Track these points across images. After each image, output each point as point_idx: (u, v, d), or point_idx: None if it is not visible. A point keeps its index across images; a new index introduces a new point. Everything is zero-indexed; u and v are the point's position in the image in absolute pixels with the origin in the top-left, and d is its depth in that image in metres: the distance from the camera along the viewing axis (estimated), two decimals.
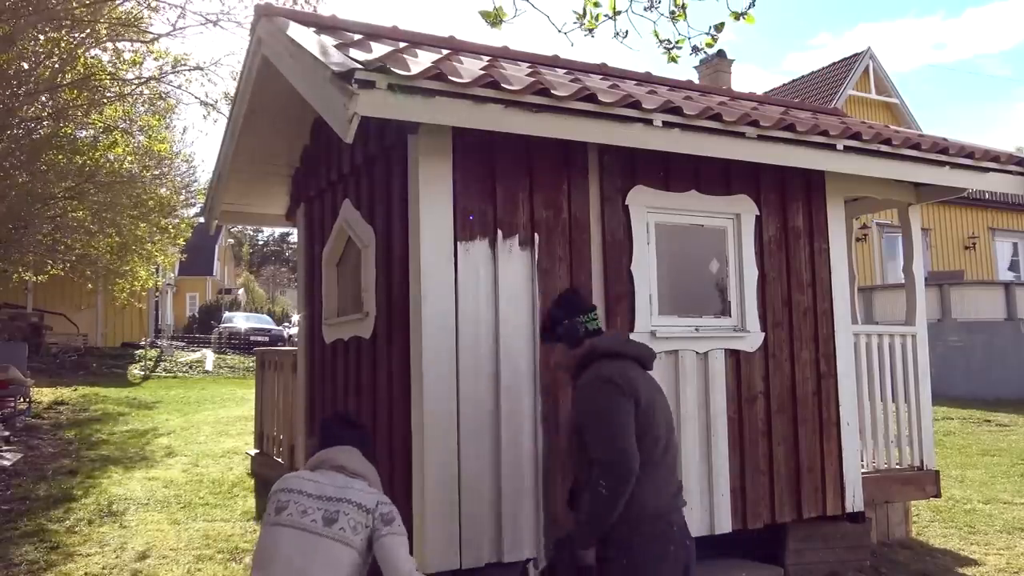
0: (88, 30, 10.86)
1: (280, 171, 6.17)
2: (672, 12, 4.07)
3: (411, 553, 3.68)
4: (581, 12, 4.05)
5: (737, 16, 4.00)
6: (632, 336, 4.24)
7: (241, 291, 48.15)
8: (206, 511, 6.22)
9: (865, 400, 5.25)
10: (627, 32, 4.23)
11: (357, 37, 4.38)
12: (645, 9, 4.07)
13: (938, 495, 5.55)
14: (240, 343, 24.70)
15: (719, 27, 4.10)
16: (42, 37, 10.60)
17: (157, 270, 19.74)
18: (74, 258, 14.87)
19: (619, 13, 4.05)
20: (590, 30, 4.10)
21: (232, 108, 5.83)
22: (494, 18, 3.87)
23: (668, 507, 2.79)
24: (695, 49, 4.19)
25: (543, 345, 3.96)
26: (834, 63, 22.67)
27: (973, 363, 14.87)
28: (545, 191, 4.11)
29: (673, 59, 4.23)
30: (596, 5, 4.06)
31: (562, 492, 3.70)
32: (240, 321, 28.29)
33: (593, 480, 2.71)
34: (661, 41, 4.19)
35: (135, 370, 18.77)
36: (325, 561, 2.43)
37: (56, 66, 11.23)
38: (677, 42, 4.20)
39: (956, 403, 13.07)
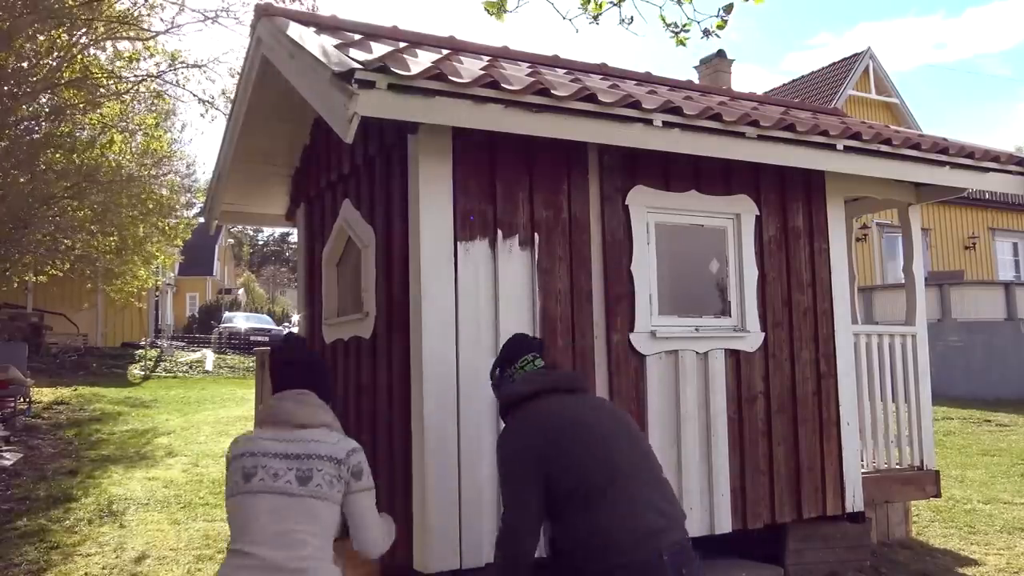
0: (85, 28, 10.86)
1: (280, 171, 6.17)
2: None
3: (413, 552, 3.69)
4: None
5: None
6: (632, 336, 4.25)
7: (241, 291, 48.14)
8: (206, 511, 6.22)
9: (865, 400, 5.25)
10: (632, 18, 4.21)
11: (357, 37, 4.38)
12: None
13: (938, 495, 5.55)
14: (240, 343, 24.71)
15: (728, 8, 4.08)
16: (41, 37, 10.60)
17: (157, 270, 19.74)
18: (74, 258, 14.87)
19: None
20: (595, 16, 4.08)
21: (232, 108, 5.83)
22: (497, 9, 3.86)
23: (641, 533, 2.44)
24: (706, 32, 4.16)
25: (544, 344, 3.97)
26: (834, 63, 22.68)
27: (973, 363, 14.88)
28: (545, 191, 4.11)
29: (681, 42, 4.21)
30: None
31: None
32: (240, 321, 28.29)
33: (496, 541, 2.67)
34: (668, 25, 4.17)
35: (135, 370, 18.78)
36: (308, 520, 2.34)
37: (54, 64, 11.23)
38: (684, 25, 4.18)
39: (956, 403, 13.07)
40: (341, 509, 2.45)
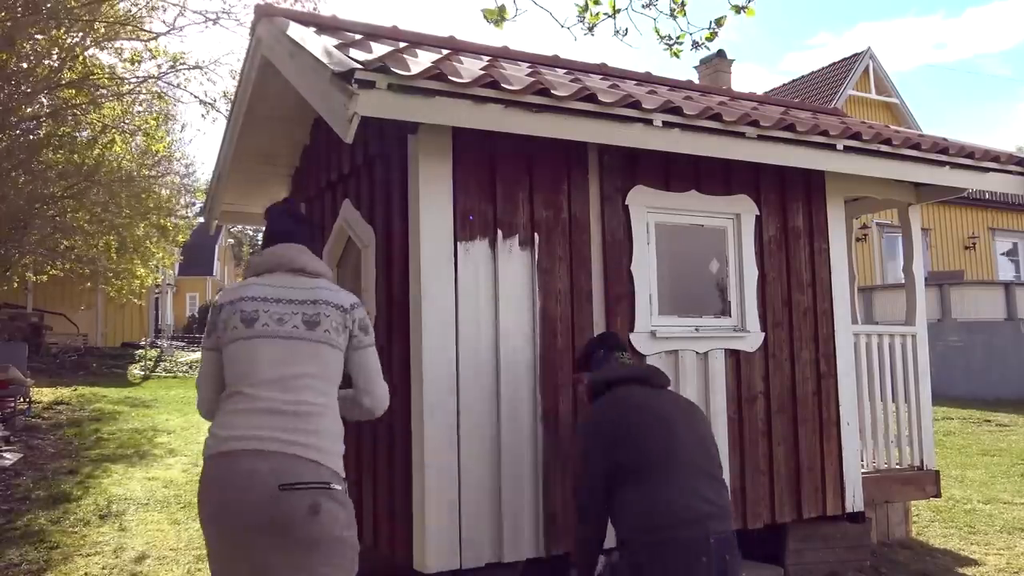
0: (86, 29, 10.86)
1: (280, 171, 6.16)
2: (672, 9, 4.07)
3: (413, 551, 3.69)
4: (583, 6, 4.05)
5: (738, 9, 4.00)
6: (633, 336, 4.25)
7: None
8: None
9: (865, 400, 5.25)
10: (627, 30, 4.23)
11: (357, 37, 4.38)
12: (644, 7, 4.07)
13: (938, 495, 5.55)
14: None
15: (720, 21, 4.09)
16: (41, 37, 10.60)
17: (157, 268, 19.73)
18: (74, 258, 14.88)
19: (618, 11, 4.06)
20: (590, 28, 4.10)
21: (232, 108, 5.83)
22: (497, 16, 3.87)
23: (690, 516, 2.63)
24: (695, 44, 4.19)
25: (543, 344, 3.98)
26: (834, 63, 22.68)
27: (973, 363, 14.88)
28: (545, 191, 4.11)
29: (675, 54, 4.24)
30: (596, 3, 4.06)
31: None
32: None
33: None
34: (662, 38, 4.20)
35: (135, 370, 18.78)
36: (315, 365, 2.25)
37: (55, 65, 11.23)
38: (678, 38, 4.20)
39: (956, 403, 13.07)
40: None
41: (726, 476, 4.40)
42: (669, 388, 3.15)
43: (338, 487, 2.23)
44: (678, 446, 2.79)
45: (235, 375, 2.26)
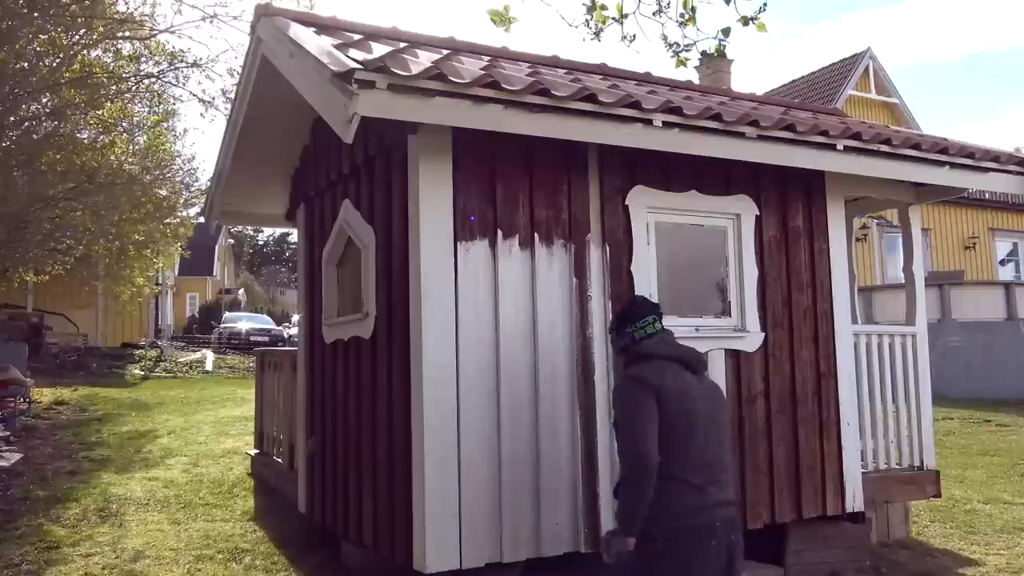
0: (85, 28, 10.86)
1: (280, 171, 6.17)
2: (682, 16, 4.06)
3: (413, 551, 3.69)
4: (591, 3, 4.03)
5: (746, 21, 3.98)
6: None
7: (241, 291, 48.14)
8: (206, 511, 6.22)
9: (865, 400, 5.24)
10: (635, 36, 4.21)
11: (357, 37, 4.38)
12: (654, 13, 4.06)
13: (938, 495, 5.55)
14: (240, 343, 24.73)
15: (726, 32, 4.08)
16: (42, 36, 10.60)
17: (157, 271, 19.75)
18: (74, 259, 14.88)
19: (626, 16, 4.05)
20: (597, 33, 4.09)
21: (232, 108, 5.83)
22: (502, 18, 3.86)
23: (706, 506, 2.86)
24: (704, 54, 4.18)
25: (543, 344, 3.98)
26: (834, 63, 22.69)
27: (973, 363, 14.87)
28: (545, 191, 4.11)
29: (682, 62, 4.22)
30: (603, 8, 4.05)
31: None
32: (241, 322, 28.32)
33: (620, 478, 2.91)
34: (670, 45, 4.19)
35: (135, 370, 18.77)
36: None
37: (54, 65, 11.22)
38: (686, 46, 4.19)
39: (956, 403, 13.07)
40: None
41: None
42: (704, 373, 3.20)
43: None
44: (714, 439, 2.99)
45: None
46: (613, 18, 4.06)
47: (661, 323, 3.21)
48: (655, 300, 3.61)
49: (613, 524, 3.18)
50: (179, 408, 12.62)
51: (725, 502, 2.93)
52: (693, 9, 4.06)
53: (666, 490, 2.81)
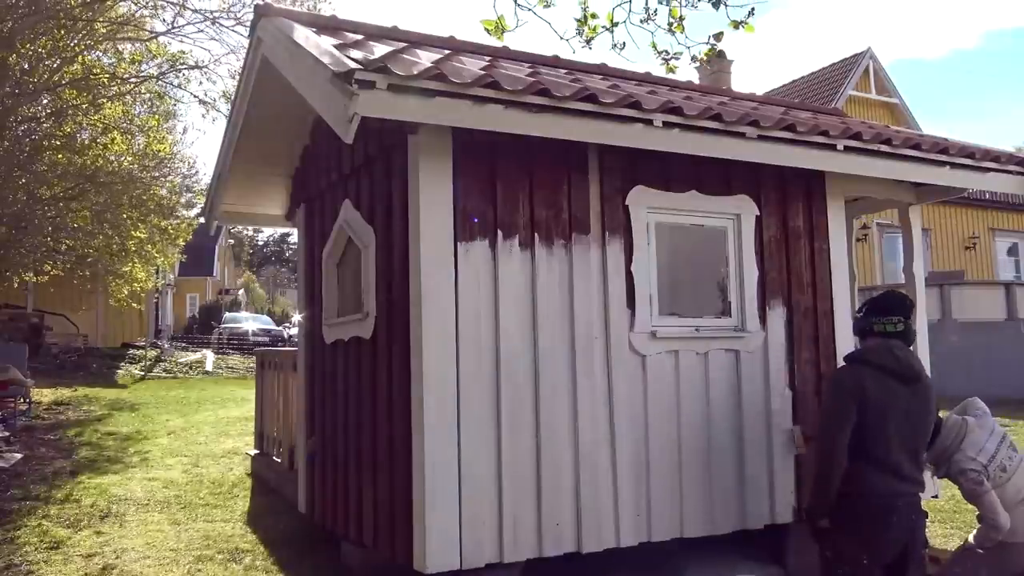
0: (86, 29, 10.87)
1: (280, 171, 6.17)
2: (670, 24, 4.07)
3: (413, 551, 3.69)
4: (582, 19, 4.05)
5: (736, 25, 3.99)
6: (632, 335, 4.25)
7: (241, 291, 48.17)
8: (206, 511, 6.22)
9: None
10: (624, 44, 4.22)
11: (357, 37, 4.38)
12: (642, 21, 4.07)
13: (937, 495, 5.54)
14: (241, 343, 24.74)
15: (718, 36, 4.09)
16: (44, 37, 10.60)
17: (157, 272, 19.75)
18: (74, 259, 14.88)
19: (616, 25, 4.05)
20: (588, 41, 4.10)
21: (232, 108, 5.83)
22: (496, 28, 3.87)
23: (887, 493, 3.30)
24: (694, 59, 4.18)
25: (543, 344, 3.98)
26: (834, 63, 22.68)
27: (973, 363, 14.87)
28: (545, 191, 4.10)
29: (671, 69, 4.24)
30: (594, 16, 4.06)
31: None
32: (241, 322, 28.36)
33: (812, 461, 3.41)
34: (659, 52, 4.19)
35: (135, 371, 18.78)
36: None
37: (55, 66, 11.23)
38: (675, 53, 4.20)
39: (956, 403, 13.03)
40: None
41: (726, 475, 4.43)
42: (920, 381, 3.46)
43: None
44: (908, 440, 3.37)
45: None
46: (604, 27, 4.06)
47: (904, 325, 3.50)
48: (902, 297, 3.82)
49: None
50: (179, 408, 12.63)
51: (904, 491, 3.34)
52: (681, 18, 4.07)
53: (860, 475, 3.28)
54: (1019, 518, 3.69)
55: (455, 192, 3.83)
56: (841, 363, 3.47)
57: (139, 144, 14.51)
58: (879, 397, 3.32)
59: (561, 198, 4.15)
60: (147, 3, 11.46)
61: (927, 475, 5.35)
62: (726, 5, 3.91)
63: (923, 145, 4.85)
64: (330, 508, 5.04)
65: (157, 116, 14.56)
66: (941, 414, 4.18)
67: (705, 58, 4.14)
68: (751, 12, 4.01)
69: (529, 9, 3.93)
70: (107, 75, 12.16)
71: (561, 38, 4.13)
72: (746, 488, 4.49)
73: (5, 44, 9.57)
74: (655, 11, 4.04)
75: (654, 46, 4.16)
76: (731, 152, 4.17)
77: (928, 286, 8.27)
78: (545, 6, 3.89)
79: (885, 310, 3.54)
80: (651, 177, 4.42)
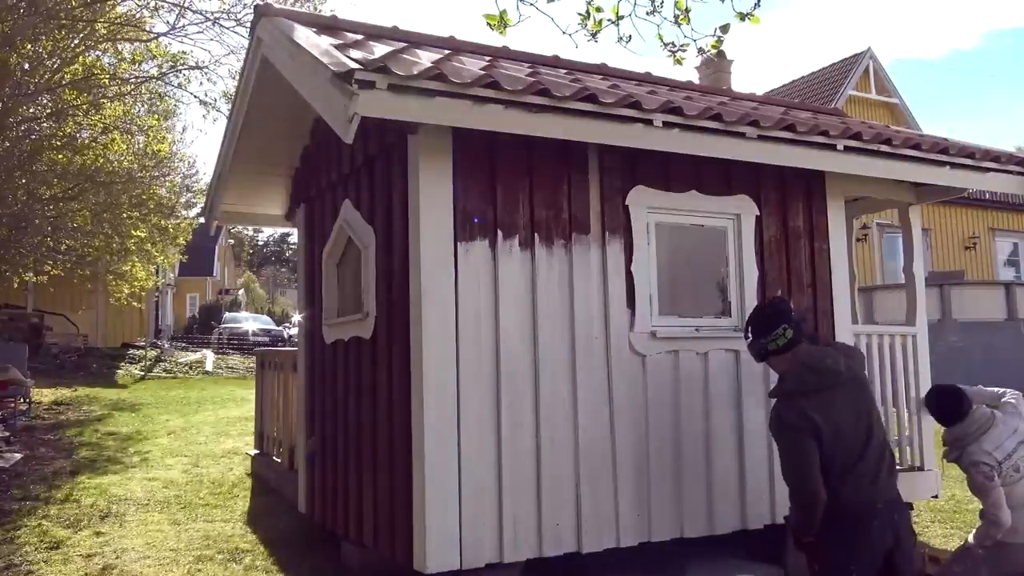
0: (87, 30, 10.87)
1: (280, 171, 6.17)
2: (676, 16, 4.06)
3: (413, 551, 3.69)
4: (585, 13, 4.04)
5: (742, 17, 3.98)
6: (632, 335, 4.24)
7: (241, 291, 48.17)
8: (206, 512, 6.22)
9: None
10: (630, 37, 4.20)
11: (357, 37, 4.38)
12: (648, 13, 4.05)
13: (938, 495, 5.54)
14: (241, 343, 24.76)
15: (725, 28, 4.08)
16: (43, 38, 10.61)
17: (157, 271, 19.75)
18: (74, 259, 14.88)
19: (622, 18, 4.04)
20: (593, 34, 4.09)
21: (232, 108, 5.83)
22: (499, 23, 3.86)
23: (865, 497, 3.28)
24: (701, 51, 4.18)
25: (543, 344, 3.98)
26: (834, 63, 22.68)
27: (973, 363, 14.86)
28: (545, 191, 4.10)
29: (678, 61, 4.22)
30: (599, 10, 4.05)
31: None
32: (241, 322, 28.39)
33: (790, 511, 3.40)
34: (665, 44, 4.18)
35: (135, 371, 18.78)
36: None
37: (56, 66, 11.23)
38: (682, 45, 4.19)
39: None
40: None
41: (726, 475, 4.43)
42: (843, 374, 3.40)
43: None
44: (868, 438, 3.34)
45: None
46: (609, 20, 4.05)
47: (794, 329, 3.46)
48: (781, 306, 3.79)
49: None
50: (179, 408, 12.62)
51: (880, 489, 3.32)
52: (687, 10, 4.05)
53: (838, 493, 3.25)
54: (1021, 518, 3.70)
55: (455, 192, 3.83)
56: (774, 413, 3.41)
57: (139, 144, 14.52)
58: (827, 418, 3.27)
59: (561, 198, 4.15)
60: (148, 3, 11.47)
61: (928, 475, 5.39)
62: None
63: (923, 145, 4.85)
64: (330, 508, 5.04)
65: (157, 116, 14.57)
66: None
67: (712, 49, 4.12)
68: (757, 3, 4.00)
69: (531, 3, 3.91)
70: (107, 75, 12.16)
71: (564, 33, 4.11)
72: (746, 488, 4.49)
73: (6, 44, 9.57)
74: (661, 3, 4.02)
75: (660, 38, 4.15)
76: (731, 152, 4.17)
77: (928, 286, 8.27)
78: (548, 0, 3.88)
79: (766, 328, 3.52)
80: (651, 177, 4.42)
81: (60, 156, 12.23)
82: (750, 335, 3.60)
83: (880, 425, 3.47)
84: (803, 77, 23.36)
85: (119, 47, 12.44)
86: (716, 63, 15.92)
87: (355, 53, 3.53)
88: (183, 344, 25.64)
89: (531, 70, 4.40)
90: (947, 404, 4.00)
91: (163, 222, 15.78)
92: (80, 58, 11.53)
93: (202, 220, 9.87)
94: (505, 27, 3.90)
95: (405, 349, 3.87)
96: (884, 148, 4.64)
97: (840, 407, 3.32)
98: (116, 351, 21.12)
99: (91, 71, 11.74)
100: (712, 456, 4.41)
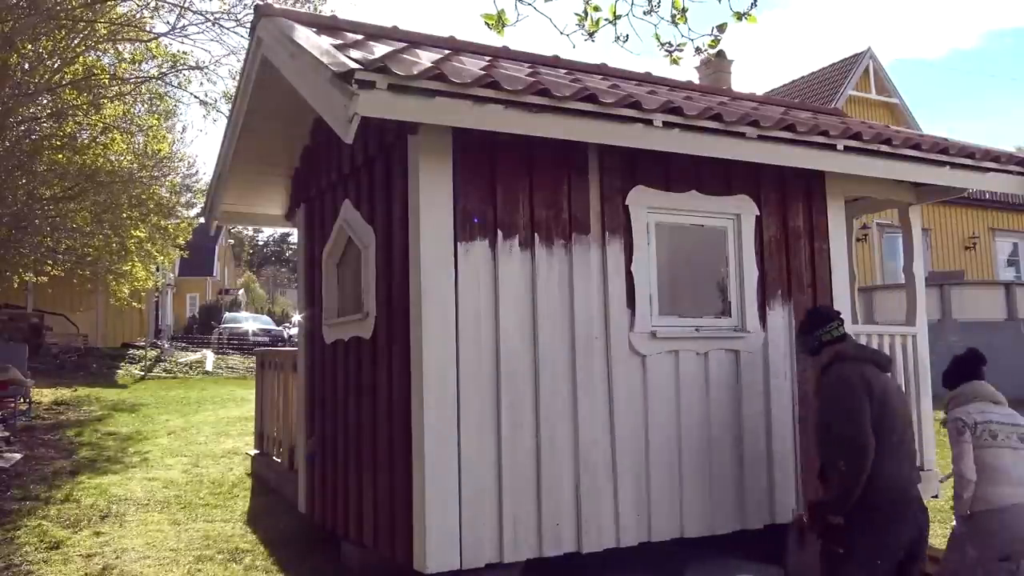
0: (87, 30, 10.87)
1: (280, 171, 6.17)
2: (673, 16, 4.05)
3: (413, 551, 3.69)
4: (583, 13, 4.04)
5: (739, 16, 3.98)
6: (632, 335, 4.25)
7: (241, 291, 48.16)
8: (206, 511, 6.22)
9: None
10: (628, 36, 4.19)
11: (357, 37, 4.39)
12: (645, 13, 4.04)
13: (938, 495, 5.54)
14: (241, 343, 24.76)
15: (722, 27, 4.08)
16: (43, 38, 10.61)
17: (157, 269, 19.75)
18: (74, 259, 14.88)
19: (619, 17, 4.03)
20: (591, 34, 4.08)
21: (232, 108, 5.84)
22: (497, 22, 3.86)
23: (905, 482, 3.47)
24: (698, 51, 4.18)
25: (543, 344, 3.98)
26: (834, 63, 22.67)
27: None
28: (545, 191, 4.11)
29: (675, 61, 4.22)
30: (596, 9, 4.05)
31: (813, 467, 4.10)
32: (241, 322, 28.39)
33: (836, 461, 3.40)
34: (663, 44, 4.18)
35: (135, 371, 18.78)
36: None
37: (56, 66, 11.23)
38: (679, 45, 4.18)
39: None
40: None
41: (726, 475, 4.43)
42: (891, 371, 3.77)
43: None
44: (906, 431, 3.58)
45: (990, 473, 3.81)
46: (606, 19, 4.04)
47: (843, 325, 3.77)
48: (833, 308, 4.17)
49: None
50: (179, 408, 12.62)
51: (914, 483, 3.55)
52: (684, 9, 4.05)
53: (887, 470, 3.39)
54: (985, 483, 3.84)
55: (455, 192, 3.83)
56: (834, 374, 3.56)
57: (139, 144, 14.52)
58: (881, 387, 3.50)
59: (561, 198, 4.15)
60: (148, 3, 11.47)
61: (928, 475, 5.39)
62: None
63: (923, 145, 4.85)
64: (330, 508, 5.04)
65: (157, 115, 14.57)
66: (941, 415, 4.27)
67: (710, 49, 4.12)
68: (754, 3, 3.99)
69: (529, 3, 3.91)
70: (107, 76, 12.16)
71: (562, 33, 4.11)
72: (746, 488, 4.49)
73: (6, 44, 9.57)
74: (658, 2, 4.01)
75: (657, 38, 4.14)
76: (731, 152, 4.17)
77: (928, 286, 8.27)
78: (546, 0, 3.87)
79: (822, 321, 3.83)
80: (651, 177, 4.42)
81: (60, 156, 12.23)
82: (805, 330, 3.89)
83: (912, 426, 3.74)
84: (803, 77, 23.36)
85: (119, 47, 12.44)
86: (716, 63, 15.91)
87: (355, 53, 3.53)
88: (183, 344, 25.63)
89: (531, 70, 4.40)
90: (961, 366, 4.20)
91: (163, 222, 15.78)
92: (80, 58, 11.53)
93: (202, 220, 9.87)
94: (503, 27, 3.89)
95: (405, 349, 3.87)
96: (884, 148, 4.65)
97: (890, 387, 3.59)
98: (116, 351, 21.12)
99: (91, 71, 11.74)
100: (712, 456, 4.41)
